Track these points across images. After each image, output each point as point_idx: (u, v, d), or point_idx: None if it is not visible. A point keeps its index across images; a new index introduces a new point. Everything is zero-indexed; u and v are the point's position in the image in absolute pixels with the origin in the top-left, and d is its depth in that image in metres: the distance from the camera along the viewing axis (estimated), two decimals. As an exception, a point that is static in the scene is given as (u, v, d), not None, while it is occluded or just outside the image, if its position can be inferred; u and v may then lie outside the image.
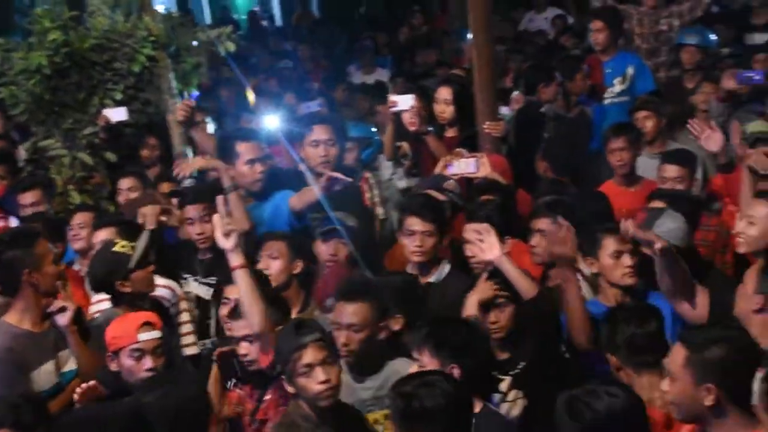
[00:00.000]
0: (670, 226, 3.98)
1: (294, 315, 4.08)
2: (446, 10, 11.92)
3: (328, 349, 3.14)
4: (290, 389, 3.15)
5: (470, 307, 3.64)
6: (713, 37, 7.19)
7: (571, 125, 6.41)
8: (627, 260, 3.82)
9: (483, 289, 3.66)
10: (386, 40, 11.03)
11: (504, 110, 5.93)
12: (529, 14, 10.31)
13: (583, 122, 6.52)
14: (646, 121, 5.63)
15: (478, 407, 3.11)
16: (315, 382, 3.05)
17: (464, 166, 4.83)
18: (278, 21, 16.39)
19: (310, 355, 3.06)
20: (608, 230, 3.86)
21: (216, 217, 3.73)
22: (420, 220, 4.20)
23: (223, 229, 3.65)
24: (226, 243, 3.64)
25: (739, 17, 8.90)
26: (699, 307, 3.54)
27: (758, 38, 8.05)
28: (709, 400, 2.63)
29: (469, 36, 5.76)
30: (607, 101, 6.65)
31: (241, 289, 3.58)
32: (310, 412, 3.10)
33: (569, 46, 8.50)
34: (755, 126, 5.13)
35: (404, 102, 5.26)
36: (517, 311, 3.63)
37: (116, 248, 4.06)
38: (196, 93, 6.52)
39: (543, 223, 4.15)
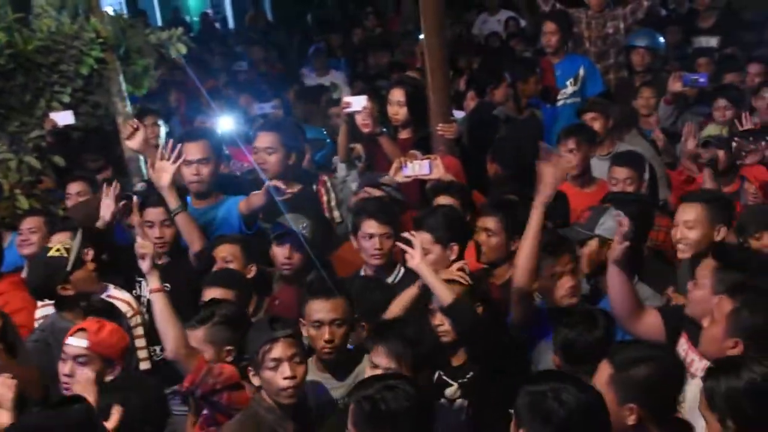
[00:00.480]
0: (611, 225, 4.00)
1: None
2: (399, 12, 11.95)
3: (298, 347, 3.20)
4: (255, 381, 3.21)
5: (395, 308, 3.72)
6: (662, 39, 7.30)
7: (521, 127, 6.47)
8: (568, 281, 3.75)
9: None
10: (340, 42, 11.01)
11: (457, 113, 5.96)
12: (482, 16, 10.36)
13: (534, 124, 6.59)
14: (594, 123, 5.72)
15: None
16: (281, 377, 3.11)
17: (418, 168, 4.84)
18: (231, 23, 16.27)
19: (279, 350, 3.13)
20: (547, 251, 3.77)
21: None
22: (377, 223, 4.22)
23: (138, 252, 3.69)
24: (142, 264, 3.68)
25: (686, 21, 9.05)
26: (652, 327, 3.44)
27: (704, 41, 8.22)
28: (631, 420, 2.66)
29: (421, 38, 5.77)
30: (560, 103, 6.72)
31: (156, 313, 3.59)
32: (273, 404, 3.15)
33: (519, 49, 8.56)
34: (709, 130, 5.21)
35: (357, 103, 5.24)
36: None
37: (51, 253, 4.02)
38: (135, 96, 6.41)
39: (489, 222, 4.17)
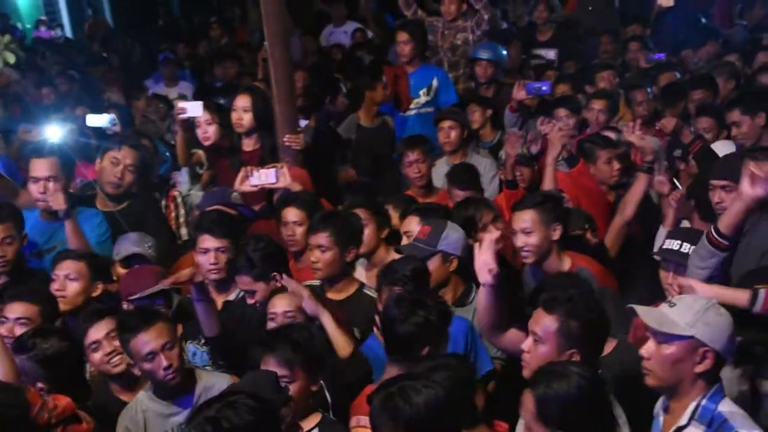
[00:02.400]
0: (453, 237, 4.08)
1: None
2: (246, 22, 11.77)
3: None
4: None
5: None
6: (504, 52, 7.52)
7: (373, 135, 6.52)
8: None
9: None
10: (186, 52, 10.73)
11: (303, 123, 5.91)
12: (328, 28, 10.36)
13: (386, 132, 6.65)
14: (451, 131, 5.81)
15: (317, 418, 3.21)
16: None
17: (264, 177, 4.79)
18: (68, 31, 15.54)
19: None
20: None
21: None
22: (212, 237, 4.15)
23: None
24: None
25: (526, 34, 9.38)
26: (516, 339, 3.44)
27: (544, 53, 8.52)
28: None
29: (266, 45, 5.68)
30: (412, 112, 6.79)
31: None
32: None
33: (366, 59, 8.58)
34: None
35: (193, 109, 5.11)
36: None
37: None
38: None
39: (321, 238, 4.14)
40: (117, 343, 3.51)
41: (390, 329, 3.33)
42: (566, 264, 4.02)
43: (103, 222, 4.69)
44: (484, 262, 3.23)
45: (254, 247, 4.02)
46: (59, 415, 3.08)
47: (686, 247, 3.57)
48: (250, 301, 4.02)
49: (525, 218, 4.02)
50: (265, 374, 3.10)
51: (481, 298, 3.33)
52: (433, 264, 4.00)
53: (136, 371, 3.47)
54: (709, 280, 3.28)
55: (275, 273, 3.96)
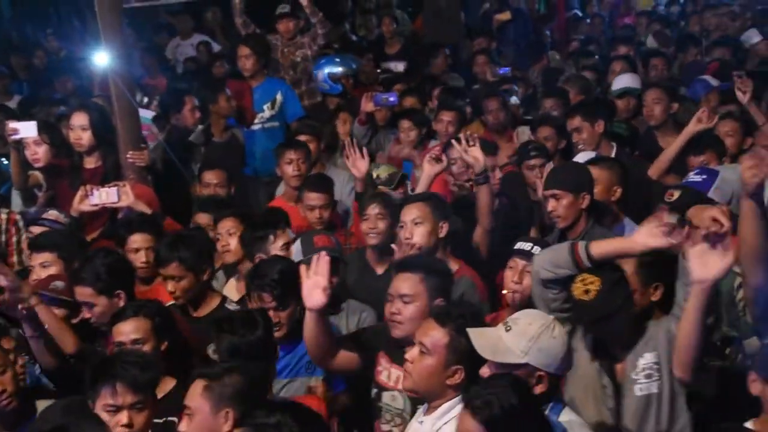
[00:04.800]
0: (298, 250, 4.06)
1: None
2: (85, 35, 11.29)
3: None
4: None
5: None
6: (354, 65, 7.57)
7: (223, 149, 6.44)
8: None
9: None
10: (23, 63, 10.17)
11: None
12: (174, 40, 10.12)
13: (236, 145, 6.58)
14: (308, 144, 5.75)
15: None
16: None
17: (105, 195, 4.64)
18: None
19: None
20: None
21: None
22: (49, 254, 4.06)
23: None
24: None
25: (376, 47, 9.49)
26: (345, 360, 3.42)
27: (393, 66, 8.65)
28: None
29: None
30: (257, 126, 6.74)
31: None
32: None
33: (220, 72, 8.45)
34: (381, 170, 5.38)
35: (26, 129, 4.85)
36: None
37: None
38: None
39: (171, 269, 4.03)
40: None
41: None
42: (452, 268, 4.05)
43: None
44: (315, 282, 3.13)
45: (103, 260, 3.87)
46: None
47: (537, 250, 3.67)
48: (86, 316, 3.85)
49: (414, 210, 4.07)
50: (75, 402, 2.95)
51: (309, 324, 3.23)
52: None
53: None
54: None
55: (120, 291, 3.82)
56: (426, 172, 4.63)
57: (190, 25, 10.14)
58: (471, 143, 4.44)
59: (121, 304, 3.78)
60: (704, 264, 2.81)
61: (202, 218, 4.88)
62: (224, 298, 4.17)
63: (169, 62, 9.88)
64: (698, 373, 3.01)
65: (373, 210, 4.44)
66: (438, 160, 4.56)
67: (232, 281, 4.48)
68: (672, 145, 5.16)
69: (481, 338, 2.86)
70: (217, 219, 4.63)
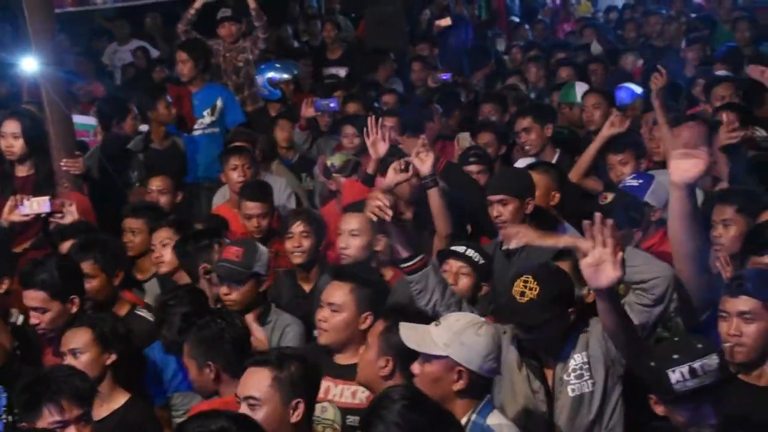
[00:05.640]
0: (266, 257, 3.99)
1: None
2: (17, 39, 11.00)
3: None
4: None
5: None
6: (295, 71, 7.52)
7: (163, 156, 6.31)
8: None
9: None
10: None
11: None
12: (112, 46, 9.93)
13: (176, 153, 6.47)
14: (244, 152, 5.70)
15: None
16: None
17: (36, 205, 4.49)
18: None
19: None
20: None
21: None
22: None
23: None
24: None
25: (317, 53, 9.44)
26: None
27: (335, 71, 8.64)
28: None
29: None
30: (197, 132, 6.67)
31: None
32: None
33: (160, 77, 8.32)
34: (335, 158, 5.44)
35: None
36: None
37: None
38: None
39: (86, 267, 3.96)
40: None
41: None
42: (387, 275, 4.06)
43: None
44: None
45: (57, 263, 3.76)
46: None
47: (471, 252, 3.76)
48: (33, 322, 3.72)
49: (354, 221, 4.08)
50: None
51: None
52: (248, 286, 3.89)
53: None
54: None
55: (74, 296, 3.74)
56: (389, 178, 4.47)
57: (127, 31, 9.98)
58: (424, 149, 4.37)
59: (74, 310, 3.69)
60: (678, 167, 2.94)
61: (131, 223, 4.79)
62: (134, 305, 4.11)
63: (107, 68, 9.70)
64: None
65: (297, 228, 4.43)
66: (405, 170, 4.38)
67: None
68: (589, 149, 5.28)
69: (410, 331, 2.91)
70: (152, 229, 4.56)
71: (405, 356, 2.95)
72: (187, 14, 7.36)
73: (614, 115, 5.29)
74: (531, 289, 3.04)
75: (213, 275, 4.04)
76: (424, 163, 4.30)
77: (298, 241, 4.40)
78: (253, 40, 7.47)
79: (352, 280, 3.40)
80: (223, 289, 3.89)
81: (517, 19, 11.82)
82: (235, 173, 5.31)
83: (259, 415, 2.71)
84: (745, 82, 6.12)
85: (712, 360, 2.69)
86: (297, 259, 4.42)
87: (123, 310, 4.03)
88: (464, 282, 3.79)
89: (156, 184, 5.38)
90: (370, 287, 3.43)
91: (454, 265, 3.80)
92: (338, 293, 3.39)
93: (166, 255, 4.39)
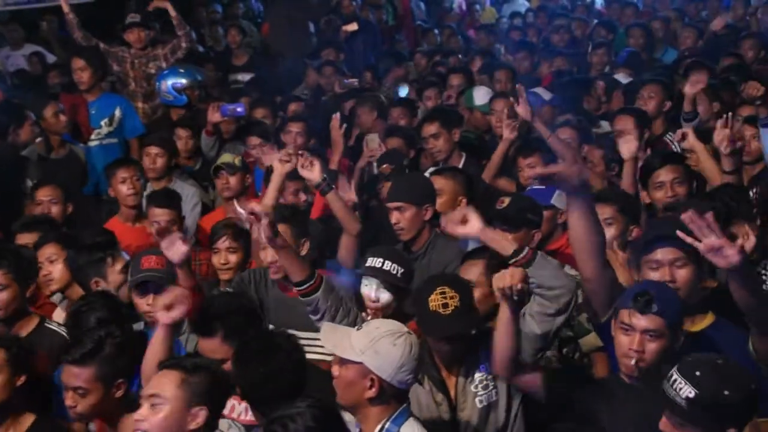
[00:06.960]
0: None
1: None
2: None
3: None
4: None
5: None
6: (198, 77, 7.37)
7: (59, 166, 6.12)
8: None
9: None
10: None
11: None
12: (4, 51, 9.55)
13: (75, 162, 6.28)
14: (157, 158, 5.69)
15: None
16: None
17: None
18: None
19: None
20: None
21: None
22: None
23: None
24: None
25: (223, 59, 9.27)
26: None
27: (241, 77, 8.50)
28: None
29: None
30: (94, 142, 6.53)
31: None
32: None
33: (55, 84, 8.02)
34: (223, 158, 5.48)
35: None
36: None
37: None
38: None
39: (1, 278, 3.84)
40: None
41: None
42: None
43: None
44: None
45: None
46: None
47: (388, 265, 3.60)
48: None
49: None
50: None
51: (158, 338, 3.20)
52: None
53: None
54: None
55: None
56: (276, 171, 4.42)
57: (21, 35, 9.62)
58: (304, 159, 4.28)
59: None
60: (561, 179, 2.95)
61: (24, 238, 4.59)
62: (43, 318, 3.98)
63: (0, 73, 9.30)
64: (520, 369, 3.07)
65: (224, 243, 4.31)
66: (288, 160, 4.36)
67: (59, 311, 4.22)
68: (496, 151, 5.40)
69: (331, 333, 2.94)
70: (38, 245, 4.36)
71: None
72: (69, 19, 7.22)
73: (506, 122, 5.37)
74: (452, 298, 3.05)
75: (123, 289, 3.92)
76: (312, 171, 4.22)
77: (224, 258, 4.31)
78: (172, 48, 7.31)
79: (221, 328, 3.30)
80: (148, 300, 3.73)
81: (424, 24, 11.85)
82: (124, 186, 5.19)
83: (159, 414, 2.71)
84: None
85: None
86: (224, 275, 4.32)
87: (32, 324, 3.89)
88: (386, 297, 3.60)
89: (45, 193, 5.18)
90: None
91: (373, 281, 3.61)
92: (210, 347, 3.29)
93: (55, 272, 4.24)
